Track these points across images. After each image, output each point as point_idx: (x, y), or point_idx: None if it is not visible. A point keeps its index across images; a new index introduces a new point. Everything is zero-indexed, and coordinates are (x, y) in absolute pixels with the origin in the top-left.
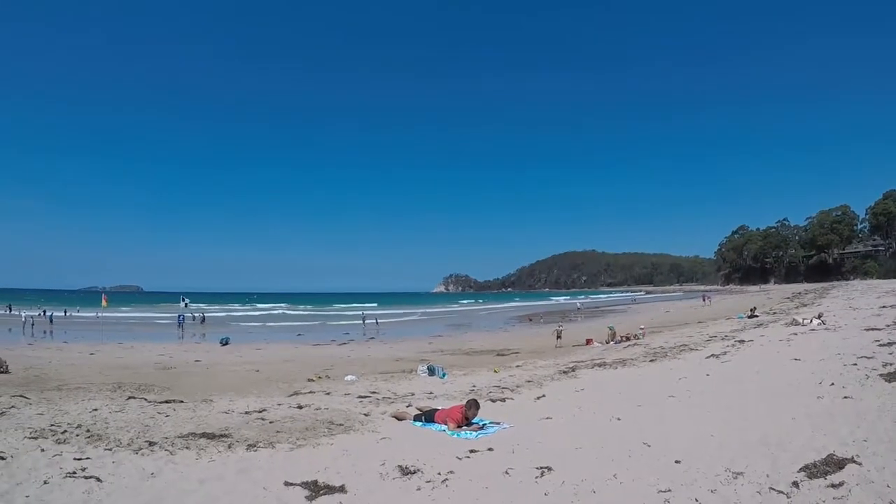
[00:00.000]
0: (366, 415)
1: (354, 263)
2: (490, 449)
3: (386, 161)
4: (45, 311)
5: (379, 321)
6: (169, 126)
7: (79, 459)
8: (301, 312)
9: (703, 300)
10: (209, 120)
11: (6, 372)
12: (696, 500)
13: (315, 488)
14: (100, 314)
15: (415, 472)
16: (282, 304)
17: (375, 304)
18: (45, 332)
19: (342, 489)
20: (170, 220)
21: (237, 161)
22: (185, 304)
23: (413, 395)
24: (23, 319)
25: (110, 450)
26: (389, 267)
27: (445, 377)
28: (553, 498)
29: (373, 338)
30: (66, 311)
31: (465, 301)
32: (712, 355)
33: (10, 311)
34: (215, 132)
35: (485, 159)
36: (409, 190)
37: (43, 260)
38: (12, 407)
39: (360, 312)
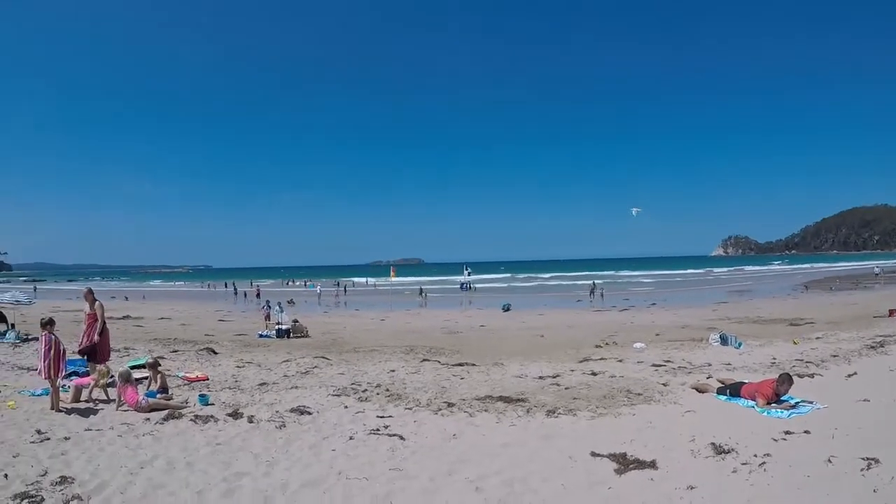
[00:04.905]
0: (664, 385)
1: (631, 228)
2: (806, 431)
3: (658, 127)
4: (338, 283)
5: (605, 292)
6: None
7: (381, 417)
8: (568, 282)
9: None
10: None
11: (307, 336)
12: None
13: (624, 461)
14: (376, 284)
15: (728, 452)
16: (549, 274)
17: (612, 272)
18: (338, 303)
19: (653, 464)
20: (448, 195)
21: (510, 137)
22: (468, 273)
23: (710, 365)
24: (318, 291)
25: (410, 409)
26: (667, 230)
27: (741, 347)
28: (883, 496)
29: (654, 303)
30: (353, 283)
31: (745, 266)
32: None
33: (305, 285)
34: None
35: (766, 113)
36: (685, 147)
37: (333, 239)
38: (315, 367)
39: (591, 282)
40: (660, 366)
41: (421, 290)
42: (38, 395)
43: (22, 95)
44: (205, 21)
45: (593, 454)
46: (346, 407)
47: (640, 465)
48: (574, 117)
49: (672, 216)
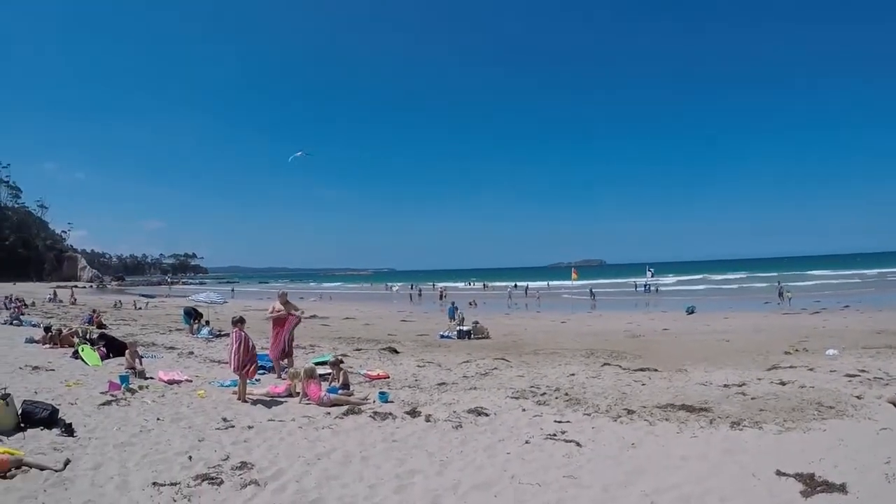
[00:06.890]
0: (858, 397)
1: (824, 223)
2: None
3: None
4: (515, 285)
5: (794, 294)
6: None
7: (559, 422)
8: (760, 284)
9: None
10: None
11: (488, 338)
12: None
13: (811, 483)
14: (552, 284)
15: None
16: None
17: (806, 271)
18: (519, 304)
19: (842, 488)
20: (630, 195)
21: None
22: (651, 274)
23: None
24: (508, 293)
25: (589, 415)
26: (863, 223)
27: None
28: None
29: (847, 306)
30: (528, 286)
31: None
32: None
33: (485, 287)
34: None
35: None
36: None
37: (513, 240)
38: (495, 368)
39: (777, 283)
40: (854, 376)
41: (591, 291)
42: (227, 386)
43: (213, 106)
44: (384, 25)
45: (778, 473)
46: (523, 410)
47: (829, 487)
48: (768, 106)
49: (867, 207)
